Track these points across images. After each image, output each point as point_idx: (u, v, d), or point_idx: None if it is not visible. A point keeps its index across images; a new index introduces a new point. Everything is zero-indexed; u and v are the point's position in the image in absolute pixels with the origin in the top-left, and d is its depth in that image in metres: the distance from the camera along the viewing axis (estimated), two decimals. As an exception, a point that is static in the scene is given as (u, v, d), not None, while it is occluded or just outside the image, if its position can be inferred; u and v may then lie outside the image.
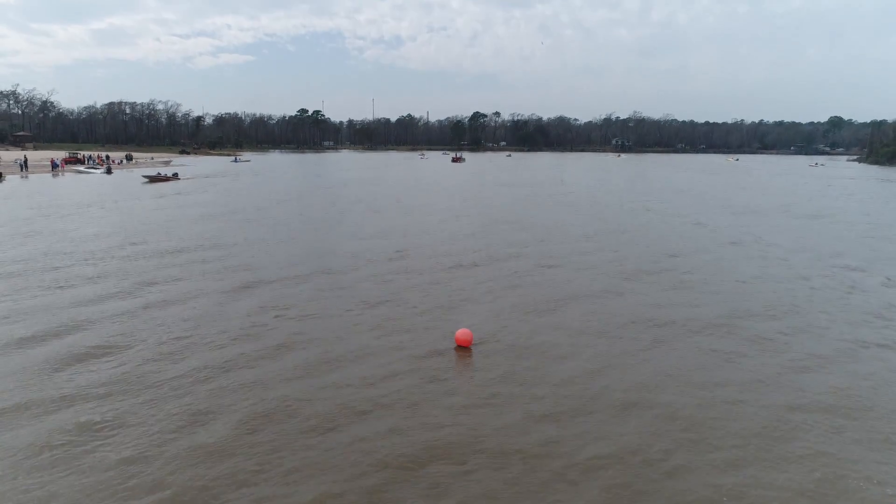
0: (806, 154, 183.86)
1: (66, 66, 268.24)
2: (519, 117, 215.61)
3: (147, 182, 46.47)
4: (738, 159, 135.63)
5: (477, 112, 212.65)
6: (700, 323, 11.72)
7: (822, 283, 15.13)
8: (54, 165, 61.50)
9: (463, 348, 10.14)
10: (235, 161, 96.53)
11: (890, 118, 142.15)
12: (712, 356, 9.95)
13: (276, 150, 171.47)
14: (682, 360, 9.72)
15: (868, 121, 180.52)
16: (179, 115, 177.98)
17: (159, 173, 50.72)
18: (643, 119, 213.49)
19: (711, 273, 16.22)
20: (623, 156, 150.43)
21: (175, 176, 50.73)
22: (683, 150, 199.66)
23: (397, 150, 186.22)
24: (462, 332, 10.36)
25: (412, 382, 8.74)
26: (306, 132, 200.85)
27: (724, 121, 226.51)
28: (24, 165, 58.04)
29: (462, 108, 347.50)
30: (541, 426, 7.46)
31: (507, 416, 7.72)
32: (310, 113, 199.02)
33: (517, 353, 9.95)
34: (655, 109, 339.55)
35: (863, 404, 8.20)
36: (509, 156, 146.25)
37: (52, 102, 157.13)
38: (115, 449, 6.72)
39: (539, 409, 7.90)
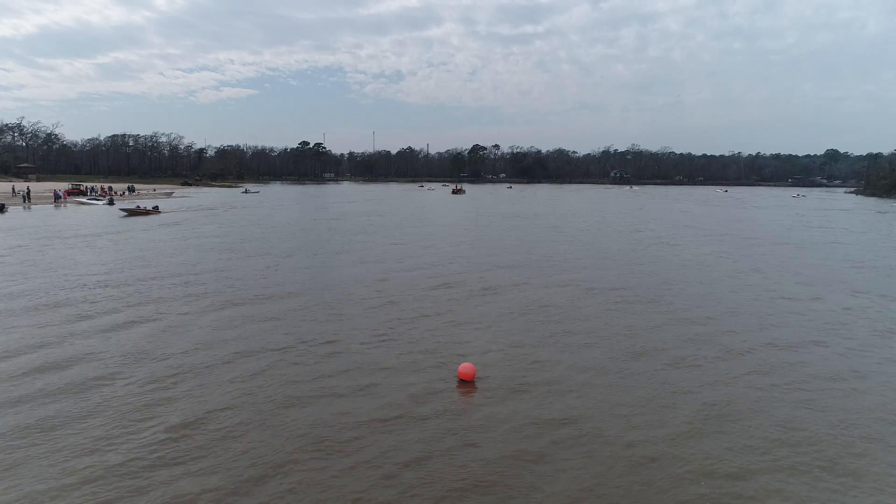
0: (803, 186, 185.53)
1: (70, 100, 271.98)
2: (518, 150, 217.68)
3: (125, 216, 44.13)
4: (726, 191, 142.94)
5: (476, 145, 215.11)
6: (708, 356, 11.57)
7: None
8: (57, 197, 61.87)
9: (466, 382, 9.97)
10: (246, 192, 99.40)
11: (885, 151, 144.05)
12: (727, 394, 9.78)
13: (278, 182, 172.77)
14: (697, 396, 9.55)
15: (864, 153, 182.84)
16: (182, 147, 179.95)
17: (138, 206, 48.69)
18: (641, 152, 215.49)
19: (724, 306, 16.12)
20: (636, 188, 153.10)
21: (155, 209, 48.55)
22: (682, 183, 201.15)
23: (398, 181, 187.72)
24: (465, 367, 10.20)
25: (416, 419, 8.54)
26: (307, 164, 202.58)
27: (721, 153, 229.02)
28: (27, 197, 58.40)
29: (461, 141, 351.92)
30: (552, 465, 7.27)
31: (510, 451, 7.54)
32: (311, 145, 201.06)
33: (520, 388, 9.75)
34: (653, 142, 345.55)
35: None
36: (510, 187, 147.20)
37: (56, 135, 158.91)
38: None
39: (547, 448, 7.72)
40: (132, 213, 45.86)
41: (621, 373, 10.57)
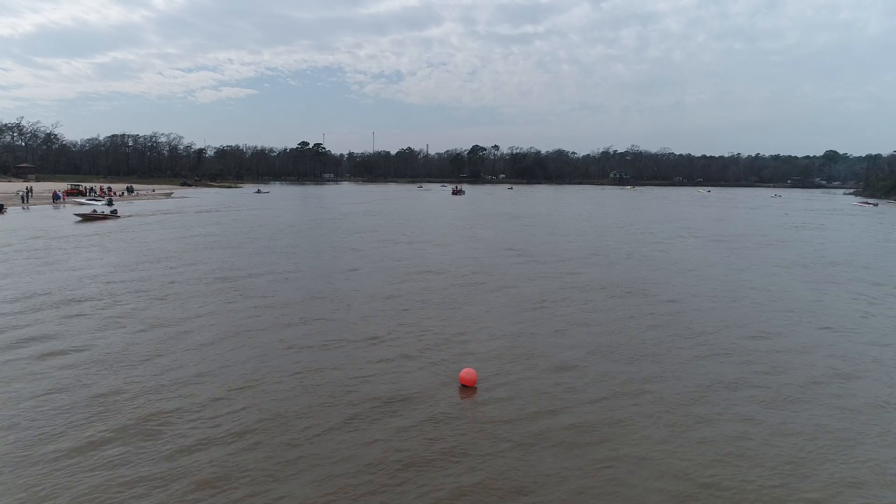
0: (802, 187, 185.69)
1: (69, 100, 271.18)
2: (517, 150, 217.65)
3: (80, 221, 41.11)
4: (709, 191, 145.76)
5: (476, 145, 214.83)
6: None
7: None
8: (56, 197, 61.82)
9: (467, 388, 9.98)
10: (259, 192, 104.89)
11: (885, 152, 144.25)
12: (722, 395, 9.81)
13: (277, 182, 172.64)
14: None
15: (863, 155, 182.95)
16: (181, 147, 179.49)
17: (94, 210, 45.04)
18: (641, 153, 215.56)
19: (723, 307, 16.18)
20: (637, 188, 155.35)
21: (114, 213, 45.64)
22: (681, 184, 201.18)
23: (397, 182, 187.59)
24: (466, 372, 10.22)
25: (418, 429, 8.57)
26: (307, 164, 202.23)
27: (721, 154, 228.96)
28: (26, 198, 58.37)
29: (461, 142, 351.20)
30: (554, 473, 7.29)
31: (513, 463, 7.55)
32: (311, 146, 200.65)
33: (523, 393, 9.79)
34: (653, 143, 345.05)
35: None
36: (510, 188, 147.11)
37: (55, 135, 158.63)
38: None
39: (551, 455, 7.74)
40: (87, 217, 42.66)
41: (627, 381, 10.59)
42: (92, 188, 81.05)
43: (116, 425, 8.35)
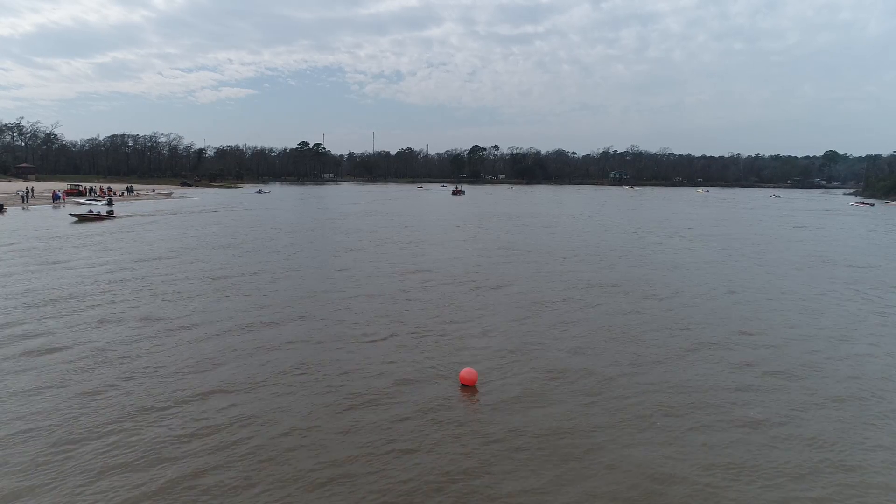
0: (802, 188, 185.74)
1: (69, 100, 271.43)
2: (517, 151, 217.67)
3: (76, 221, 40.34)
4: (707, 191, 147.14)
5: (476, 146, 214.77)
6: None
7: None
8: (56, 198, 61.85)
9: (467, 387, 9.97)
10: (259, 192, 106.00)
11: (885, 153, 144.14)
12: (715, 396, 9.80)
13: (277, 182, 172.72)
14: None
15: (863, 155, 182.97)
16: (181, 147, 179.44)
17: (91, 211, 44.25)
18: (641, 153, 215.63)
19: (714, 311, 16.16)
20: (637, 188, 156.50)
21: (110, 214, 44.75)
22: (681, 184, 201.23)
23: (397, 182, 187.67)
24: (466, 372, 10.20)
25: (417, 428, 8.56)
26: (307, 164, 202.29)
27: (721, 154, 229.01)
28: (26, 198, 58.41)
29: (461, 142, 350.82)
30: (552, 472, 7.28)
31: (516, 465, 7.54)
32: (311, 146, 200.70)
33: (523, 393, 9.77)
34: (653, 143, 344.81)
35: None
36: (510, 188, 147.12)
37: (55, 135, 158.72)
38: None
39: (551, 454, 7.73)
40: (83, 218, 41.90)
41: (628, 382, 10.58)
42: (92, 188, 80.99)
43: (115, 420, 8.35)
